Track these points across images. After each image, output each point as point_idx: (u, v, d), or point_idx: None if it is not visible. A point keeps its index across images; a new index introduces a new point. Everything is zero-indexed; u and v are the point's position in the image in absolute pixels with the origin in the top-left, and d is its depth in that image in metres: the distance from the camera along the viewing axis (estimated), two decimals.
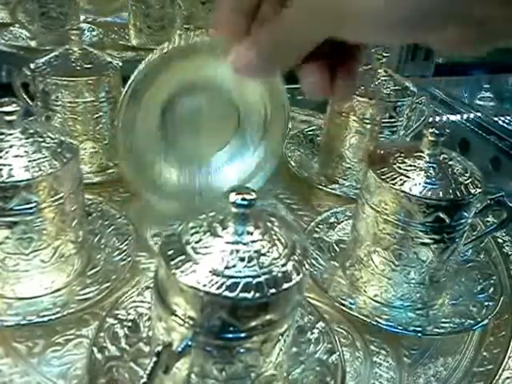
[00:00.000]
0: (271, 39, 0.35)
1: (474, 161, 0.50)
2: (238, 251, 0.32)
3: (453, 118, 0.98)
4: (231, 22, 0.38)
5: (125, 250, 0.51)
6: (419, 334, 0.47)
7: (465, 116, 0.98)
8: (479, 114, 0.97)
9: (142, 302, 0.45)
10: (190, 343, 0.32)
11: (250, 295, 0.30)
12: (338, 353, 0.42)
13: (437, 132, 0.47)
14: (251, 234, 0.33)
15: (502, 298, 0.51)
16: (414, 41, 0.32)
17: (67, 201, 0.45)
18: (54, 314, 0.44)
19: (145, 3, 1.01)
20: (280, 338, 0.33)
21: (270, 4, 0.38)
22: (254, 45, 0.35)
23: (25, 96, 0.66)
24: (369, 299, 0.50)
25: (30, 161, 0.43)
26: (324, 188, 0.68)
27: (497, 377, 0.46)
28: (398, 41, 0.32)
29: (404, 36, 0.32)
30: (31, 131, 0.45)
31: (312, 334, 0.44)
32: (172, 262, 0.32)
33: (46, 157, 0.44)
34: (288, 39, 0.34)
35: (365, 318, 0.47)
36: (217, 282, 0.30)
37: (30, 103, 0.65)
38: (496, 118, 0.97)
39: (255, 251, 0.32)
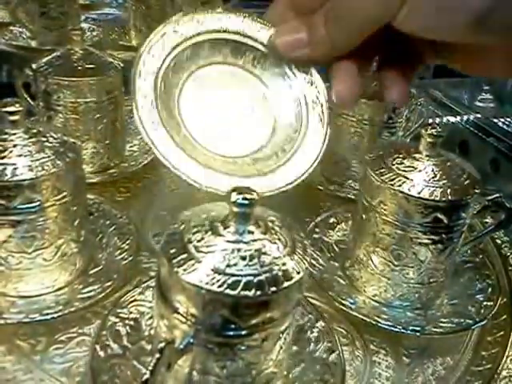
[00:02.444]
0: (331, 15, 0.35)
1: (473, 162, 0.50)
2: (239, 250, 0.32)
3: (452, 119, 0.99)
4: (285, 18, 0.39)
5: (126, 250, 0.52)
6: (418, 334, 0.47)
7: (464, 118, 0.98)
8: (479, 116, 0.98)
9: (144, 300, 0.45)
10: (191, 340, 0.32)
11: (251, 293, 0.30)
12: (337, 352, 0.42)
13: (435, 133, 0.47)
14: (252, 233, 0.33)
15: (499, 299, 0.51)
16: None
17: (70, 200, 0.46)
18: (56, 312, 0.44)
19: (145, 4, 1.01)
20: (280, 335, 0.34)
21: None
22: (309, 24, 0.37)
23: (26, 96, 0.66)
24: (368, 299, 0.51)
25: (33, 160, 0.43)
26: (323, 189, 0.69)
27: (495, 376, 0.46)
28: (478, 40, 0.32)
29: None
30: (34, 131, 0.45)
31: (312, 333, 0.44)
32: (174, 261, 0.32)
33: (49, 156, 0.44)
34: (348, 15, 0.35)
35: (364, 318, 0.48)
36: (218, 280, 0.31)
37: (32, 103, 0.65)
38: (496, 120, 0.98)
39: (256, 250, 0.32)
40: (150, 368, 0.31)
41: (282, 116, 0.46)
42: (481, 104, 1.08)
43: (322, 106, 0.45)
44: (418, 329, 0.47)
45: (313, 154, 0.44)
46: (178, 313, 0.33)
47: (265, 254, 0.32)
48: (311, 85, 0.45)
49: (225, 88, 0.46)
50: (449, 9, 0.30)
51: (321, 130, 0.45)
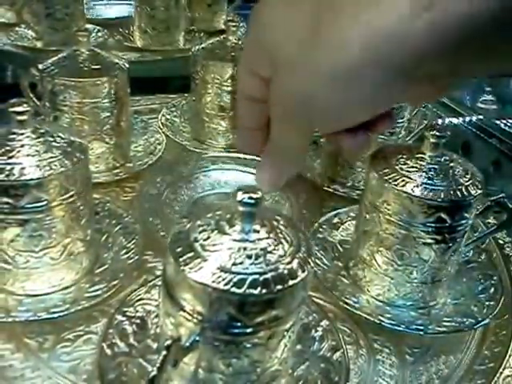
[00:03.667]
0: (272, 157, 0.39)
1: (475, 163, 0.50)
2: (245, 249, 0.32)
3: (455, 120, 0.99)
4: (251, 140, 0.42)
5: (132, 249, 0.52)
6: (421, 333, 0.47)
7: (467, 119, 0.98)
8: (481, 117, 0.98)
9: (150, 299, 0.46)
10: (197, 338, 0.33)
11: (256, 291, 0.31)
12: (341, 350, 0.43)
13: (438, 134, 0.47)
14: (258, 232, 0.33)
15: (502, 298, 0.51)
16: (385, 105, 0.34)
17: (77, 199, 0.46)
18: (63, 311, 0.44)
19: (150, 5, 1.02)
20: (285, 333, 0.34)
21: None
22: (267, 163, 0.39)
23: (32, 96, 0.66)
24: (372, 298, 0.51)
25: (40, 160, 0.43)
26: (327, 189, 0.69)
27: (497, 374, 0.46)
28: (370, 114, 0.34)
29: (372, 108, 0.34)
30: (42, 131, 0.46)
31: (316, 331, 0.45)
32: (181, 259, 0.32)
33: (56, 156, 0.44)
34: (282, 155, 0.39)
35: (368, 317, 0.48)
36: (224, 279, 0.31)
37: (38, 103, 0.66)
38: (498, 121, 0.98)
39: (262, 249, 0.33)
40: (157, 365, 0.31)
41: None
42: (483, 105, 1.08)
43: None
44: (421, 328, 0.47)
45: None
46: (184, 311, 0.33)
47: (270, 252, 0.33)
48: None
49: None
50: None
51: None
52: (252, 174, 0.48)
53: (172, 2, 1.02)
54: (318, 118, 0.34)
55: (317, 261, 0.54)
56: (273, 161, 0.39)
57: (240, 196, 0.33)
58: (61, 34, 0.99)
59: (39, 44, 1.01)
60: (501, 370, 0.47)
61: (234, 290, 0.31)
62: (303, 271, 0.33)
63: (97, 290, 0.47)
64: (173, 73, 0.98)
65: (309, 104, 0.33)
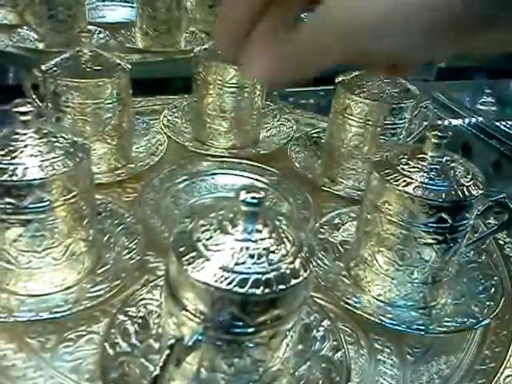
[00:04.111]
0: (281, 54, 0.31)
1: (475, 164, 0.50)
2: (247, 248, 0.32)
3: (455, 122, 0.99)
4: (236, 21, 0.36)
5: (134, 249, 0.52)
6: (422, 333, 0.47)
7: (467, 120, 0.99)
8: (481, 119, 0.98)
9: (152, 299, 0.46)
10: (200, 337, 0.33)
11: (259, 291, 0.31)
12: (343, 350, 0.43)
13: (440, 135, 0.47)
14: (260, 231, 0.33)
15: (503, 299, 0.51)
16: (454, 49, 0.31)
17: (79, 200, 0.46)
18: (65, 311, 0.45)
19: (151, 6, 1.02)
20: (287, 333, 0.34)
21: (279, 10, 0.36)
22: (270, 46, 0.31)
23: (35, 97, 0.67)
24: (373, 298, 0.51)
25: (43, 160, 0.44)
26: (328, 189, 0.69)
27: (498, 374, 0.46)
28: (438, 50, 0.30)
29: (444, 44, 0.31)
30: (45, 131, 0.46)
31: (318, 331, 0.45)
32: (184, 258, 0.32)
33: (59, 156, 0.45)
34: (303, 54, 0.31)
35: (369, 317, 0.48)
36: (227, 278, 0.31)
37: (40, 105, 0.66)
38: (497, 123, 0.98)
39: (264, 248, 0.33)
40: (160, 364, 0.32)
41: None
42: (482, 107, 1.09)
43: None
44: (422, 328, 0.48)
45: None
46: (187, 310, 0.33)
47: (273, 252, 0.33)
48: None
49: None
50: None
51: None
52: (249, 178, 0.47)
53: (173, 3, 1.02)
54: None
55: (318, 261, 0.54)
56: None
57: (243, 196, 0.33)
58: (63, 36, 0.99)
59: (41, 45, 1.01)
60: (501, 369, 0.47)
61: (236, 289, 0.31)
62: (305, 271, 0.33)
63: (99, 290, 0.47)
64: (174, 74, 0.99)
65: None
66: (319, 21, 0.29)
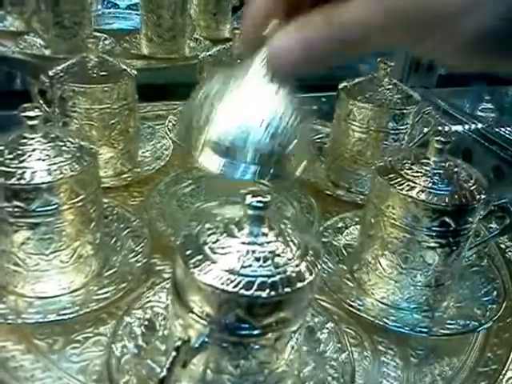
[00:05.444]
0: (333, 26, 0.28)
1: (476, 170, 0.51)
2: (253, 251, 0.33)
3: (456, 128, 1.00)
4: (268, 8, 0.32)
5: (140, 252, 0.53)
6: (425, 335, 0.48)
7: (468, 126, 0.99)
8: (481, 125, 0.99)
9: (158, 302, 0.46)
10: (206, 339, 0.33)
11: (265, 293, 0.31)
12: (347, 352, 0.43)
13: (443, 140, 0.48)
14: (266, 235, 0.34)
15: (505, 302, 0.52)
16: None
17: (86, 203, 0.47)
18: (72, 313, 0.45)
19: (156, 13, 1.02)
20: (292, 335, 0.35)
21: None
22: (303, 28, 0.29)
23: (42, 102, 0.67)
24: (376, 301, 0.51)
25: (51, 164, 0.44)
26: (331, 194, 0.70)
27: (501, 376, 0.47)
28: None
29: None
30: (52, 136, 0.46)
31: (322, 334, 0.45)
32: (190, 261, 0.33)
33: (66, 160, 0.45)
34: (353, 33, 0.28)
35: (372, 319, 0.48)
36: (233, 281, 0.32)
37: (48, 110, 0.66)
38: (498, 129, 0.99)
39: (270, 252, 0.33)
40: (167, 366, 0.32)
41: None
42: (482, 113, 1.09)
43: None
44: (425, 330, 0.48)
45: None
46: (193, 312, 0.34)
47: (278, 255, 0.33)
48: None
49: None
50: None
51: None
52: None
53: (178, 11, 1.03)
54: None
55: (322, 264, 0.54)
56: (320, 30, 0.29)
57: (249, 199, 0.33)
58: (68, 42, 1.00)
59: (47, 52, 1.02)
60: (504, 372, 0.47)
61: (242, 292, 0.31)
62: (311, 274, 0.34)
63: (106, 293, 0.48)
64: (179, 80, 0.99)
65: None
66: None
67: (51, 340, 0.46)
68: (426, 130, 0.73)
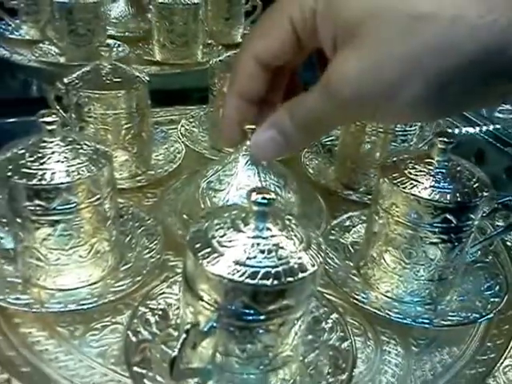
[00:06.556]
0: (295, 118, 0.38)
1: (488, 170, 0.52)
2: (258, 244, 0.35)
3: (469, 129, 1.00)
4: (241, 110, 0.43)
5: (154, 249, 0.55)
6: (427, 326, 0.49)
7: (479, 128, 0.99)
8: (493, 127, 0.99)
9: (171, 293, 0.48)
10: (214, 324, 0.35)
11: (268, 282, 0.33)
12: (349, 340, 0.45)
13: (446, 140, 0.49)
14: (270, 229, 0.36)
15: (506, 295, 0.52)
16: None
17: (103, 202, 0.49)
18: (91, 303, 0.47)
19: (168, 19, 1.04)
20: (296, 322, 0.37)
21: (276, 93, 0.43)
22: (273, 125, 0.39)
23: (59, 108, 0.69)
24: (380, 295, 0.53)
25: (69, 166, 0.46)
26: (340, 194, 0.71)
27: (498, 364, 0.48)
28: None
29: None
30: (70, 139, 0.48)
31: (326, 323, 0.47)
32: (199, 254, 0.35)
33: (83, 162, 0.47)
34: (312, 121, 0.37)
35: (376, 311, 0.50)
36: (239, 271, 0.34)
37: (64, 115, 0.68)
38: (510, 131, 0.99)
39: (274, 244, 0.35)
40: (178, 347, 0.34)
41: None
42: (500, 115, 1.08)
43: None
44: (427, 322, 0.49)
45: None
46: (203, 300, 0.36)
47: (282, 248, 0.35)
48: None
49: None
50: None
51: None
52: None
53: (190, 16, 1.05)
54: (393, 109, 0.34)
55: (329, 260, 0.56)
56: (285, 124, 0.39)
57: (254, 196, 0.35)
58: (83, 50, 1.03)
59: (62, 59, 1.05)
60: (502, 360, 0.48)
61: (247, 281, 0.33)
62: (313, 265, 0.35)
63: (122, 286, 0.50)
64: (191, 85, 1.01)
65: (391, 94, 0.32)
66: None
67: (72, 327, 0.49)
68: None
